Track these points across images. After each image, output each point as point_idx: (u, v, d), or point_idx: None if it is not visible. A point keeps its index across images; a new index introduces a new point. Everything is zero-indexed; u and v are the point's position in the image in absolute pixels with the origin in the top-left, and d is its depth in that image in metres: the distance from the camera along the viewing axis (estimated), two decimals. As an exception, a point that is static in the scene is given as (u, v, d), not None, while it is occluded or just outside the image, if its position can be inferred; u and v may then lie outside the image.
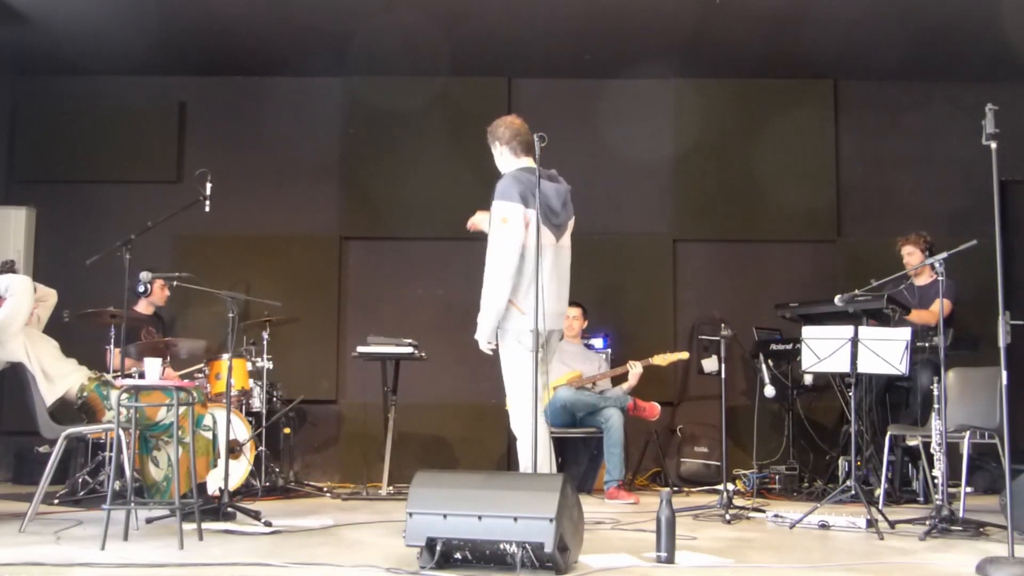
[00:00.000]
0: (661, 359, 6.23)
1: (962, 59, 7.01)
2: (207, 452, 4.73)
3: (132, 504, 4.10)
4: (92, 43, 6.89)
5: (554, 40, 6.88)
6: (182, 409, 4.38)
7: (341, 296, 7.34)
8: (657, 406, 6.34)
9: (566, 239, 4.47)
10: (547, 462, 4.22)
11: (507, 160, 4.55)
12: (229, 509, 4.53)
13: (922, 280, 6.23)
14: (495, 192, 4.41)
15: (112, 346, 5.98)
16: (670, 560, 3.50)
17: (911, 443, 5.70)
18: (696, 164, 7.41)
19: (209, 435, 4.74)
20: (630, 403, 6.15)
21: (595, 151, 7.39)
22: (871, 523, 4.40)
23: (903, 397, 6.16)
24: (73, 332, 5.71)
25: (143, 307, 6.46)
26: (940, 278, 4.51)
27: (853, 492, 4.67)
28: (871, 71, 7.34)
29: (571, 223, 4.50)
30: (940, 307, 4.79)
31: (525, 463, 4.14)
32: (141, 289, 6.26)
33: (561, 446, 6.03)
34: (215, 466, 4.85)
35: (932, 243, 6.25)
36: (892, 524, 4.58)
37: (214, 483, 5.03)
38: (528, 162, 4.48)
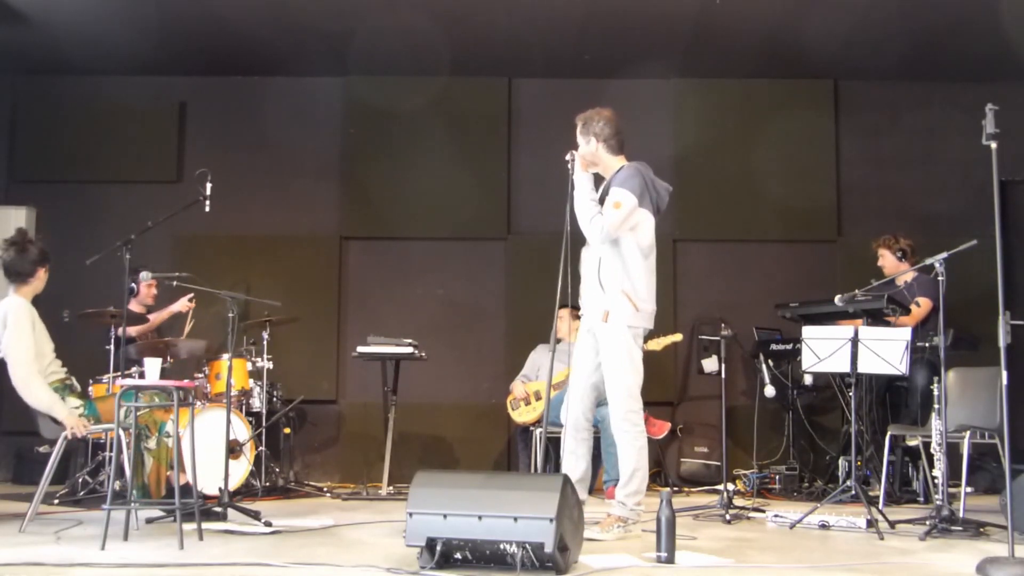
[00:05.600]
0: (656, 343, 6.19)
1: (962, 59, 7.01)
2: (167, 459, 4.71)
3: (132, 504, 4.10)
4: (92, 43, 6.89)
5: (554, 40, 6.88)
6: (145, 412, 4.44)
7: (341, 296, 7.34)
8: (667, 426, 6.31)
9: None
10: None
11: (604, 157, 4.41)
12: (218, 509, 4.51)
13: (903, 279, 6.24)
14: (615, 179, 4.33)
15: (112, 346, 5.97)
16: (670, 560, 3.50)
17: (911, 443, 5.70)
18: (696, 164, 7.41)
19: (170, 442, 4.67)
20: None
21: (595, 151, 7.39)
22: (871, 523, 4.40)
23: (903, 397, 6.15)
24: (73, 332, 5.72)
25: (134, 306, 6.43)
26: (941, 278, 4.51)
27: (853, 492, 4.67)
28: (871, 71, 7.34)
29: None
30: (942, 306, 4.78)
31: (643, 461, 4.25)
32: (131, 287, 6.26)
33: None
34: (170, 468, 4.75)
35: (908, 245, 6.24)
36: (892, 524, 4.58)
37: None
38: (623, 160, 4.43)
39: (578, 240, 4.35)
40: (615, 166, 4.40)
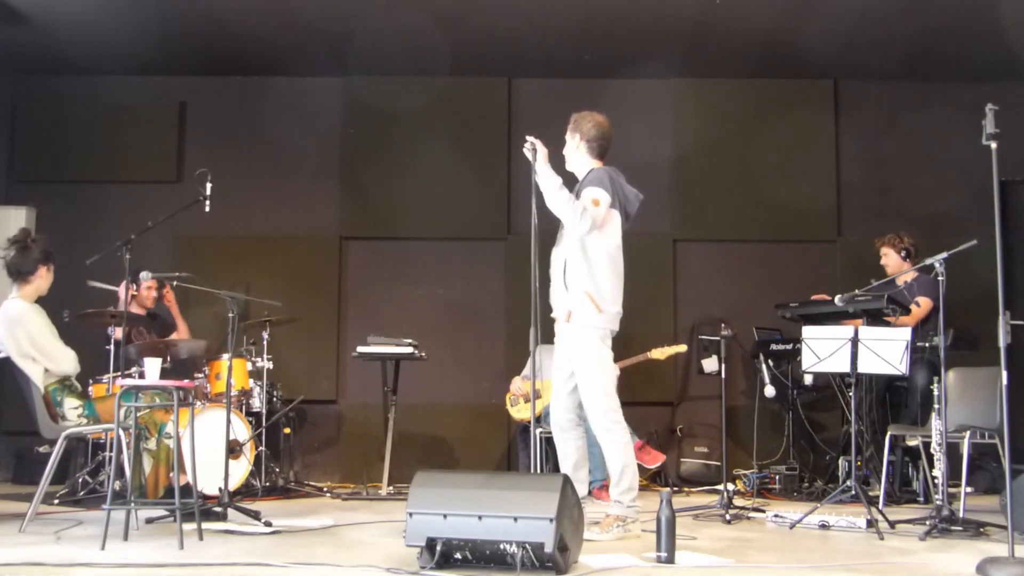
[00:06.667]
0: (659, 352, 6.21)
1: (962, 59, 7.01)
2: (167, 460, 4.71)
3: (132, 504, 4.10)
4: (92, 43, 6.89)
5: (554, 40, 6.88)
6: (145, 413, 4.51)
7: (341, 296, 7.34)
8: (662, 457, 6.29)
9: None
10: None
11: (581, 157, 4.52)
12: (218, 509, 4.51)
13: (904, 279, 6.24)
14: (586, 180, 4.42)
15: (112, 345, 5.97)
16: (670, 560, 3.50)
17: (911, 443, 5.70)
18: (696, 164, 7.41)
19: (171, 443, 4.68)
20: (638, 442, 6.13)
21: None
22: (871, 523, 4.40)
23: (903, 397, 6.15)
24: (73, 332, 5.71)
25: (133, 307, 6.44)
26: (941, 278, 4.50)
27: (853, 492, 4.67)
28: (871, 71, 7.34)
29: None
30: (942, 306, 4.77)
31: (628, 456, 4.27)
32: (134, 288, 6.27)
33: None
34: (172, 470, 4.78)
35: (912, 244, 6.25)
36: (892, 524, 4.58)
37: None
38: (598, 165, 4.52)
39: (547, 241, 4.37)
40: (589, 168, 4.48)
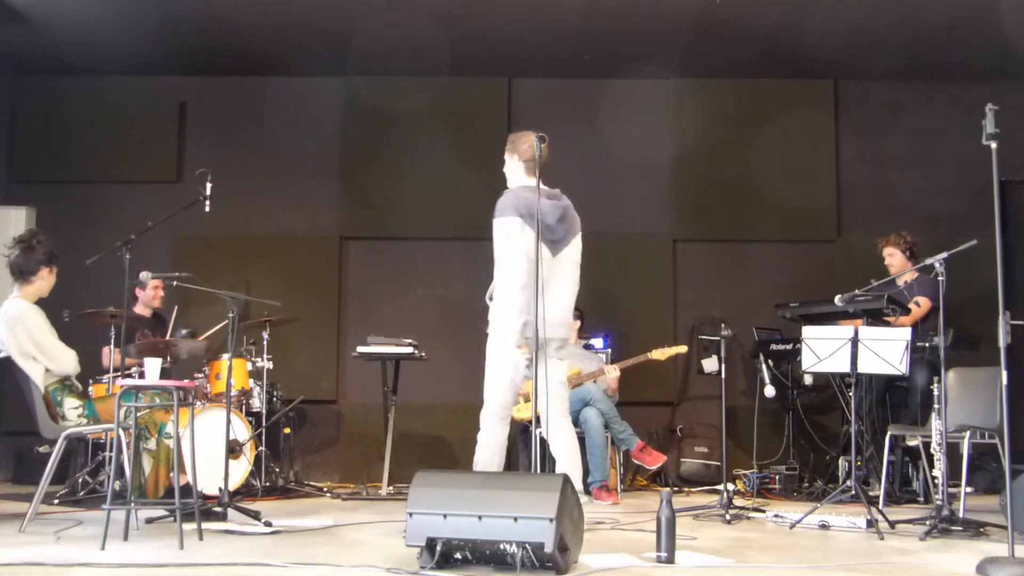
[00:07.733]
0: (660, 353, 6.22)
1: (962, 59, 7.02)
2: (167, 460, 4.71)
3: (132, 504, 4.10)
4: (92, 43, 6.89)
5: (554, 40, 6.88)
6: (145, 413, 4.53)
7: (341, 296, 7.34)
8: (662, 458, 6.29)
9: (570, 251, 4.71)
10: (498, 462, 4.49)
11: (516, 174, 4.73)
12: (218, 509, 4.50)
13: (904, 279, 6.24)
14: (495, 208, 4.66)
15: (112, 345, 5.97)
16: (670, 560, 3.50)
17: (911, 443, 5.71)
18: (696, 164, 7.41)
19: (171, 443, 4.66)
20: (639, 443, 6.12)
21: (595, 151, 7.40)
22: (871, 523, 4.40)
23: (903, 397, 6.16)
24: (73, 332, 5.71)
25: (139, 308, 6.46)
26: (941, 278, 4.50)
27: (853, 492, 4.67)
28: (871, 71, 7.35)
29: (576, 237, 4.73)
30: (942, 306, 4.77)
31: (480, 458, 4.44)
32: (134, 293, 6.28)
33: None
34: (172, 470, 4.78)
35: (914, 244, 6.26)
36: (892, 524, 4.57)
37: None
38: (533, 181, 4.65)
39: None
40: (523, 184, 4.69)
